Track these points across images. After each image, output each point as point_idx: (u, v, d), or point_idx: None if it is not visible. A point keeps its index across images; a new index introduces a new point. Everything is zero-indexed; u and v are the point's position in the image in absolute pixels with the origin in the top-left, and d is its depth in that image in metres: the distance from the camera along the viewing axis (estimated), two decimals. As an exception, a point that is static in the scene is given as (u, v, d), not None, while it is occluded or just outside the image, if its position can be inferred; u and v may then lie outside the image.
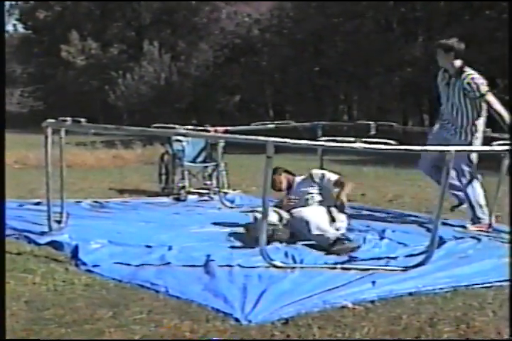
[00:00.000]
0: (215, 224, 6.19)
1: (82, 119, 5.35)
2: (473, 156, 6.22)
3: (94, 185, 9.87)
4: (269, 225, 4.98)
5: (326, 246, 5.16)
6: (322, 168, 6.22)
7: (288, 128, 7.93)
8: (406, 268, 4.57)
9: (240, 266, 4.58)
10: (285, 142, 5.03)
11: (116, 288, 4.16)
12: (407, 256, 4.98)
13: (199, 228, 6.09)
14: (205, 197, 8.15)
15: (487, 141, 5.15)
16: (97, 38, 37.85)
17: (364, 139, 4.62)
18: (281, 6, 30.37)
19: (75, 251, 4.99)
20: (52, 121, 5.55)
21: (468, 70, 6.32)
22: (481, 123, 6.25)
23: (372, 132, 7.31)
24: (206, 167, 8.64)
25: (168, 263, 4.71)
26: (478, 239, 5.58)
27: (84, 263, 4.70)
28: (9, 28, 54.92)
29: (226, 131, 7.33)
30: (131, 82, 32.47)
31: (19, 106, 26.88)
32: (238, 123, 8.31)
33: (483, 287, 4.23)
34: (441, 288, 4.17)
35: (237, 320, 3.55)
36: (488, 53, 20.62)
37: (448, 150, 4.47)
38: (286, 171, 6.09)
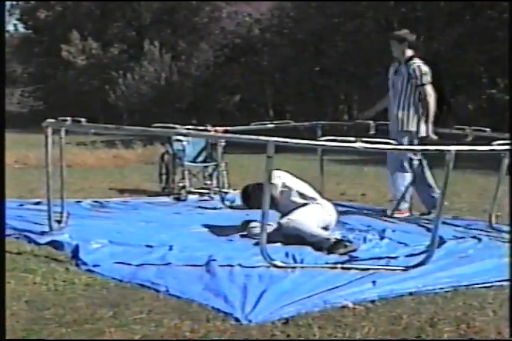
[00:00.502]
0: (215, 223, 6.18)
1: (83, 119, 5.35)
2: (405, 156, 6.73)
3: (94, 184, 9.87)
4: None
5: (326, 247, 5.16)
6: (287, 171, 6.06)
7: (288, 128, 7.92)
8: (406, 268, 4.57)
9: (240, 265, 4.58)
10: (286, 142, 5.04)
11: (116, 288, 4.16)
12: (407, 256, 4.99)
13: (199, 228, 6.09)
14: (206, 197, 8.14)
15: (487, 140, 5.15)
16: (97, 37, 37.85)
17: (364, 139, 4.62)
18: (281, 5, 30.36)
19: (76, 250, 4.99)
20: (53, 121, 5.54)
21: (417, 60, 6.77)
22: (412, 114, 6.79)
23: (372, 132, 7.31)
24: (206, 167, 8.64)
25: (169, 263, 4.71)
26: (479, 239, 5.58)
27: (84, 263, 4.70)
28: (10, 27, 54.91)
29: (226, 131, 7.33)
30: (131, 81, 32.45)
31: (19, 106, 26.87)
32: (238, 123, 8.31)
33: (483, 287, 4.23)
34: (441, 288, 4.17)
35: (237, 319, 3.55)
36: (488, 53, 20.65)
37: (448, 150, 4.47)
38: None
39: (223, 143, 8.05)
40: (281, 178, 5.75)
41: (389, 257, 4.95)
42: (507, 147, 4.98)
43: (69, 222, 5.97)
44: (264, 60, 30.99)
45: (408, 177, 6.88)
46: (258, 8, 32.27)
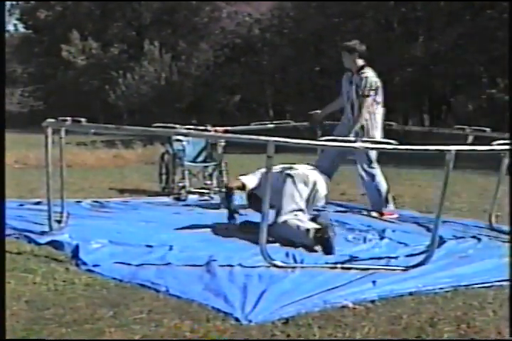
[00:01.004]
0: (215, 223, 6.18)
1: (82, 119, 5.35)
2: (373, 154, 7.04)
3: (94, 184, 9.87)
4: None
5: (311, 243, 5.17)
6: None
7: (288, 128, 7.92)
8: (406, 268, 4.57)
9: (240, 265, 4.58)
10: (286, 142, 5.03)
11: (116, 288, 4.16)
12: (407, 256, 4.99)
13: (200, 228, 6.09)
14: (206, 197, 8.14)
15: (487, 140, 5.15)
16: (97, 37, 37.85)
17: (364, 139, 4.62)
18: (281, 5, 30.36)
19: (76, 250, 4.99)
20: (53, 120, 5.54)
21: (368, 70, 7.01)
22: (368, 124, 6.96)
23: None
24: (206, 167, 8.63)
25: (169, 263, 4.71)
26: (479, 239, 5.58)
27: (84, 263, 4.70)
28: (10, 27, 54.93)
29: (226, 131, 7.33)
30: (131, 81, 32.46)
31: (19, 106, 26.87)
32: (238, 123, 8.31)
33: (483, 287, 4.23)
34: (441, 288, 4.17)
35: (237, 319, 3.56)
36: (488, 53, 20.65)
37: (448, 150, 4.47)
38: None
39: (223, 143, 8.06)
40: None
41: (389, 257, 4.96)
42: (507, 147, 4.98)
43: (69, 222, 5.98)
44: (264, 60, 30.99)
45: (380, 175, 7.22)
46: (258, 8, 32.28)
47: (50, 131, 5.56)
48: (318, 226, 5.26)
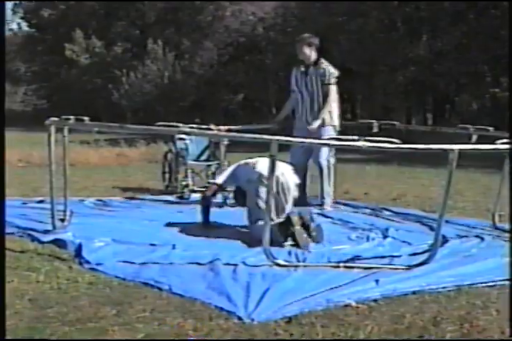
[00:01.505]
0: (218, 222, 6.18)
1: (86, 118, 5.36)
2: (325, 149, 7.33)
3: (97, 183, 9.87)
4: None
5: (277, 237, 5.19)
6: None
7: (290, 127, 7.92)
8: (410, 267, 4.57)
9: (243, 264, 4.58)
10: (289, 141, 5.04)
11: (119, 287, 4.17)
12: (410, 255, 4.98)
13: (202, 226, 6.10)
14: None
15: (490, 139, 5.15)
16: (101, 36, 37.86)
17: (368, 138, 4.62)
18: (285, 4, 30.34)
19: (79, 249, 5.00)
20: (56, 119, 5.55)
21: (324, 61, 7.44)
22: (334, 111, 7.42)
23: (375, 130, 7.35)
24: (209, 165, 8.63)
25: (172, 261, 4.71)
26: (482, 238, 5.57)
27: (87, 262, 4.70)
28: (13, 26, 54.99)
29: (229, 130, 7.34)
30: (134, 80, 32.46)
31: (23, 105, 26.87)
32: (242, 122, 8.31)
33: (486, 286, 4.23)
34: (444, 287, 4.16)
35: (240, 318, 3.56)
36: (492, 52, 20.62)
37: (452, 149, 4.47)
38: None
39: (226, 142, 8.06)
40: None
41: (392, 256, 4.95)
42: (508, 146, 4.97)
43: (72, 221, 5.98)
44: (268, 59, 30.99)
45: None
46: (262, 6, 32.26)
47: (53, 129, 5.56)
48: (281, 220, 5.31)
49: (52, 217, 5.64)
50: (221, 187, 6.24)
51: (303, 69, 7.46)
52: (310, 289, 4.02)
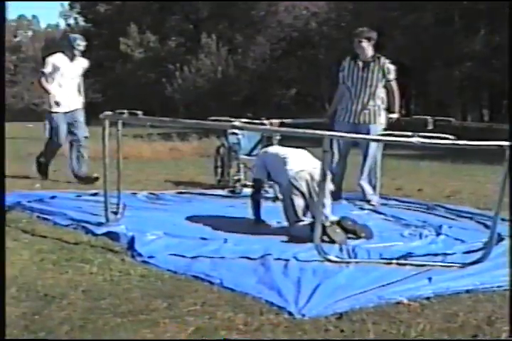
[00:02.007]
0: (269, 217, 6.17)
1: (139, 112, 5.40)
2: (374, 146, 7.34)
3: (150, 176, 9.96)
4: None
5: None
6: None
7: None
8: (463, 265, 4.50)
9: (294, 259, 4.57)
10: (342, 136, 5.00)
11: (171, 280, 4.19)
12: (464, 253, 4.91)
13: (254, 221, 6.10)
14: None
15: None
16: (155, 31, 38.22)
17: (421, 134, 4.56)
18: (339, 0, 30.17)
19: (131, 242, 5.04)
20: (110, 113, 5.61)
21: (383, 57, 7.44)
22: (383, 108, 7.42)
23: (430, 127, 7.25)
24: (262, 160, 8.62)
25: (223, 255, 4.72)
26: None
27: (140, 254, 4.74)
28: (71, 21, 55.86)
29: (281, 124, 7.34)
30: (188, 74, 32.68)
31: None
32: (294, 117, 8.29)
33: (543, 285, 4.13)
34: (499, 286, 4.08)
35: (290, 313, 3.54)
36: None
37: (508, 145, 4.37)
38: None
39: (278, 137, 8.04)
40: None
41: (445, 254, 4.88)
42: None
43: (125, 214, 6.04)
44: (321, 54, 30.89)
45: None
46: (316, 1, 32.13)
47: (107, 123, 5.62)
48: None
49: (106, 210, 5.70)
50: (261, 181, 6.22)
51: (361, 64, 7.36)
52: (361, 286, 3.99)
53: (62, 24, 64.19)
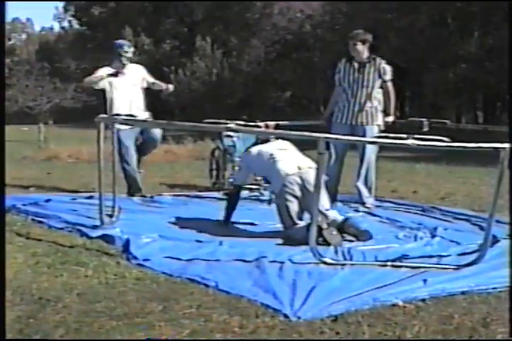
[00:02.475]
0: (265, 219, 6.17)
1: (134, 114, 5.40)
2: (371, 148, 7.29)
3: (145, 179, 9.94)
4: None
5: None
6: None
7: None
8: (458, 267, 4.50)
9: (290, 262, 4.57)
10: (337, 139, 4.99)
11: (166, 283, 4.19)
12: (459, 255, 4.91)
13: (249, 223, 6.10)
14: (256, 193, 8.14)
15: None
16: (149, 33, 38.22)
17: (417, 136, 4.56)
18: (333, 1, 30.20)
19: (127, 245, 5.04)
20: (105, 116, 5.60)
21: (378, 58, 7.42)
22: (380, 109, 7.41)
23: (425, 129, 7.26)
24: (257, 163, 8.63)
25: (219, 258, 4.71)
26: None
27: (135, 257, 4.74)
28: (65, 24, 55.87)
29: (277, 126, 7.34)
30: (183, 77, 32.68)
31: (73, 102, 27.22)
32: (289, 119, 8.30)
33: (538, 287, 4.14)
34: (494, 288, 4.09)
35: (286, 316, 3.54)
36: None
37: (503, 148, 4.39)
38: None
39: (274, 139, 8.03)
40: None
41: (440, 255, 4.89)
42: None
43: (120, 217, 6.04)
44: (316, 56, 30.93)
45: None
46: (310, 4, 32.17)
47: (102, 126, 5.62)
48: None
49: (101, 213, 5.70)
50: (241, 187, 6.27)
51: (356, 65, 7.36)
52: (356, 288, 3.99)
53: (57, 27, 64.34)
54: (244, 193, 8.05)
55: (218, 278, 4.19)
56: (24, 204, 6.73)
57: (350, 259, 4.78)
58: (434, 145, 4.59)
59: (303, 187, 5.53)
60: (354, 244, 5.27)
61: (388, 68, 7.38)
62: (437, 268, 4.51)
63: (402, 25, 25.10)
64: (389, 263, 4.57)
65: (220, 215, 6.27)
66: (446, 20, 25.53)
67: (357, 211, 7.03)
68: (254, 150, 6.04)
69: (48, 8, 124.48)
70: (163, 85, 8.12)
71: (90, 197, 7.18)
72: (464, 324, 3.49)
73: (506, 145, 4.39)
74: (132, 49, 8.10)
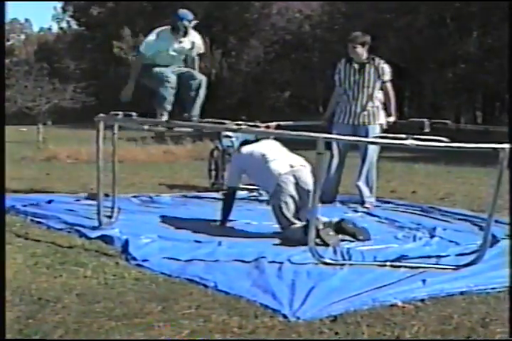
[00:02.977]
0: (264, 219, 6.17)
1: (133, 113, 5.40)
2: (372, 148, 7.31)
3: (144, 180, 9.95)
4: None
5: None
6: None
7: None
8: (457, 267, 4.50)
9: (289, 262, 4.57)
10: (337, 139, 4.99)
11: (165, 283, 4.19)
12: (458, 255, 4.91)
13: (248, 224, 6.10)
14: (255, 193, 8.14)
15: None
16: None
17: (416, 136, 4.56)
18: (332, 1, 30.21)
19: (126, 245, 5.04)
20: (104, 115, 5.60)
21: (378, 59, 7.47)
22: (381, 109, 7.49)
23: (427, 130, 7.27)
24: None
25: (218, 258, 4.71)
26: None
27: (134, 258, 4.73)
28: (63, 24, 55.83)
29: (278, 126, 7.36)
30: (182, 77, 32.64)
31: (72, 102, 27.21)
32: (289, 119, 8.30)
33: (537, 287, 4.14)
34: (493, 288, 4.09)
35: (285, 316, 3.54)
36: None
37: (502, 148, 4.39)
38: None
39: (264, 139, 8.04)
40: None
41: (439, 256, 4.88)
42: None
43: (119, 217, 6.03)
44: (315, 56, 30.94)
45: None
46: (309, 4, 32.17)
47: (101, 126, 5.62)
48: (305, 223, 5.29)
49: (98, 214, 5.70)
50: (236, 188, 6.22)
51: (356, 66, 7.40)
52: (356, 288, 3.99)
53: (55, 27, 64.29)
54: (243, 193, 8.07)
55: (217, 279, 4.19)
56: (23, 205, 6.73)
57: (349, 259, 4.78)
58: (433, 145, 4.59)
59: (297, 185, 5.53)
60: (353, 244, 5.27)
61: (387, 68, 7.41)
62: (436, 268, 4.50)
63: (400, 25, 25.10)
64: (388, 264, 4.56)
65: (219, 215, 6.27)
66: (445, 20, 25.52)
67: (356, 211, 7.04)
68: (245, 150, 5.98)
69: (46, 8, 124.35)
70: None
71: (88, 198, 7.18)
72: (463, 324, 3.49)
73: (506, 145, 4.39)
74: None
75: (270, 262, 4.55)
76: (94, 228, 5.64)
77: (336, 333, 3.34)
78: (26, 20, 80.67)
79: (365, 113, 7.36)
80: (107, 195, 6.09)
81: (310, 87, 31.28)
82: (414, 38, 24.38)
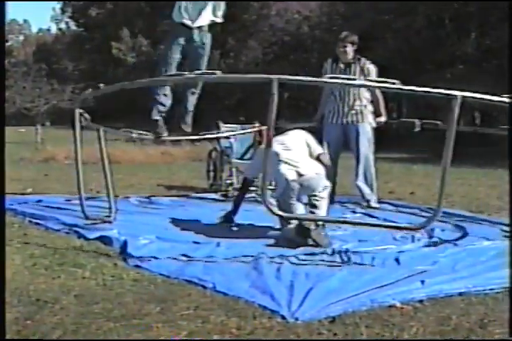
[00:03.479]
0: (262, 220, 6.17)
1: (101, 84, 5.43)
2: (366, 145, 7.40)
3: (143, 181, 9.95)
4: None
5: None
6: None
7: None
8: (456, 268, 4.50)
9: (288, 262, 4.57)
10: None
11: (164, 284, 4.18)
12: (456, 255, 4.91)
13: (247, 224, 6.10)
14: (253, 194, 8.14)
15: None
16: (147, 35, 38.18)
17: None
18: (330, 2, 30.21)
19: (124, 246, 5.04)
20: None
21: (363, 59, 7.55)
22: (370, 108, 7.52)
23: (417, 129, 7.27)
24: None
25: (216, 259, 4.71)
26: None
27: (132, 259, 4.73)
28: (62, 25, 55.83)
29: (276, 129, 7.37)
30: (180, 78, 32.64)
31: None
32: (287, 121, 8.30)
33: (536, 288, 4.14)
34: (492, 289, 4.09)
35: (283, 317, 3.53)
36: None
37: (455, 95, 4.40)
38: None
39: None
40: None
41: (438, 256, 4.88)
42: None
43: (118, 218, 6.04)
44: (314, 57, 30.89)
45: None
46: (307, 5, 32.19)
47: (102, 130, 5.64)
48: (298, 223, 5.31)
49: (83, 211, 5.73)
50: (251, 181, 6.24)
51: (342, 66, 7.49)
52: (354, 289, 3.99)
53: (54, 28, 64.31)
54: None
55: (216, 280, 4.19)
56: (22, 206, 6.73)
57: (348, 260, 4.78)
58: (385, 86, 4.65)
59: (303, 190, 5.59)
60: (351, 245, 5.27)
61: (373, 68, 7.47)
62: (435, 269, 4.50)
63: (399, 26, 25.09)
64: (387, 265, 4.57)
65: (218, 216, 6.27)
66: (443, 21, 25.50)
67: (354, 212, 7.03)
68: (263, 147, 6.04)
69: (45, 9, 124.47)
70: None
71: (87, 199, 7.17)
72: (462, 325, 3.49)
73: (457, 92, 4.41)
74: None
75: (269, 263, 4.55)
76: (92, 229, 5.63)
77: (335, 334, 3.34)
78: (25, 21, 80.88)
79: (353, 112, 7.45)
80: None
81: (308, 89, 31.27)
82: (413, 38, 24.36)
